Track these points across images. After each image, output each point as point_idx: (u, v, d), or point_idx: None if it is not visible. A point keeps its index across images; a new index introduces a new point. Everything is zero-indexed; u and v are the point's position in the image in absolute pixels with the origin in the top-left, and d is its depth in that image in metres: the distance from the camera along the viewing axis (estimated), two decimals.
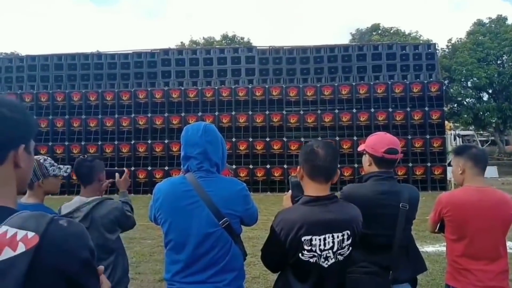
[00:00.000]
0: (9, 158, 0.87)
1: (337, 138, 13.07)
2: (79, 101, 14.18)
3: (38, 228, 0.77)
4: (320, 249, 1.61)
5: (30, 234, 0.76)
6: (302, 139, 13.03)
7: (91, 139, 13.84)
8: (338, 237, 1.63)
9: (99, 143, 13.66)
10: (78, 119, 14.00)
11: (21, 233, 0.75)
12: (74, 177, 2.44)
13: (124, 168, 2.70)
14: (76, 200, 2.38)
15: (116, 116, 13.93)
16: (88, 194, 2.41)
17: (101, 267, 0.94)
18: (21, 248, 0.74)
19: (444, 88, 14.54)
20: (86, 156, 2.48)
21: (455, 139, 19.24)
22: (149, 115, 13.80)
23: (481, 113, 22.20)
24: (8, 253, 0.73)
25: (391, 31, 29.17)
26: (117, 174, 2.60)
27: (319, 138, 11.97)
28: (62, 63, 15.03)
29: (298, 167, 1.78)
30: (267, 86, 13.89)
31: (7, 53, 27.22)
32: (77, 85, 14.81)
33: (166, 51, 15.22)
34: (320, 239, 1.60)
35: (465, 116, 22.37)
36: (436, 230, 2.40)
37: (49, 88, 14.78)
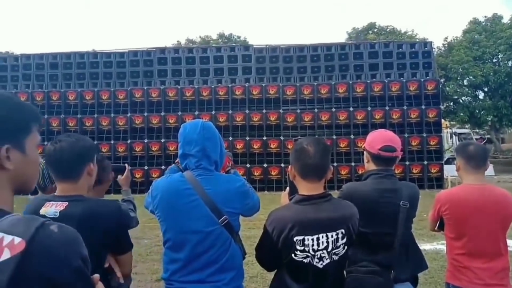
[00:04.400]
0: None
1: (334, 137, 13.08)
2: (74, 100, 14.10)
3: (25, 233, 0.73)
4: (313, 249, 1.57)
5: (17, 240, 0.72)
6: (299, 138, 13.01)
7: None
8: (332, 236, 1.59)
9: (95, 142, 13.57)
10: (74, 119, 13.92)
11: (7, 238, 0.72)
12: None
13: (125, 165, 2.66)
14: None
15: (112, 115, 13.86)
16: (96, 194, 2.37)
17: (96, 276, 0.89)
18: (6, 254, 0.70)
19: (440, 86, 14.56)
20: (96, 155, 2.44)
21: (451, 137, 19.32)
22: (146, 114, 13.75)
23: (477, 111, 22.26)
24: None
25: (387, 30, 29.22)
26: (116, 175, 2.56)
27: (316, 137, 12.00)
28: (57, 62, 14.93)
29: (290, 166, 1.74)
30: (264, 85, 13.87)
31: (1, 52, 27.00)
32: (72, 84, 14.73)
33: (162, 50, 15.15)
34: (313, 239, 1.57)
35: (461, 114, 22.42)
36: (436, 228, 2.39)
37: (44, 87, 14.69)
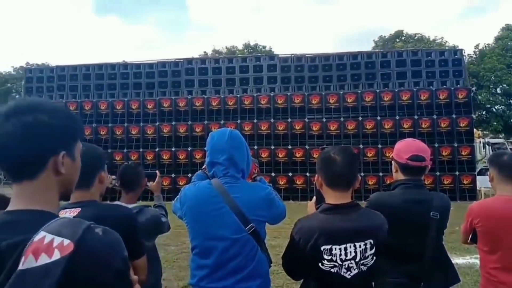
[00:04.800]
0: (50, 165, 0.88)
1: (361, 146, 12.87)
2: (106, 109, 14.59)
3: (74, 236, 0.77)
4: (341, 259, 1.55)
5: (66, 242, 0.76)
6: (326, 147, 12.89)
7: (117, 146, 14.18)
8: (360, 246, 1.57)
9: (125, 150, 13.97)
10: (105, 127, 14.38)
11: (57, 240, 0.76)
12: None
13: (156, 171, 2.73)
14: None
15: (141, 124, 14.24)
16: (129, 200, 2.44)
17: (135, 277, 0.93)
18: (56, 255, 0.74)
19: (472, 94, 14.11)
20: (130, 162, 2.52)
21: (484, 147, 18.58)
22: (173, 123, 14.04)
23: (511, 120, 21.40)
24: (43, 259, 0.73)
25: (415, 38, 28.69)
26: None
27: (343, 145, 11.85)
28: (90, 73, 15.55)
29: (316, 175, 1.73)
30: (289, 94, 13.89)
31: (38, 64, 28.41)
32: (104, 94, 15.27)
33: (189, 61, 15.50)
34: (340, 249, 1.55)
35: (495, 123, 21.61)
36: (468, 241, 2.31)
37: (77, 97, 15.30)
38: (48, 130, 0.86)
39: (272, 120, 13.59)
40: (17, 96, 29.52)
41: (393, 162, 2.11)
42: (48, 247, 0.74)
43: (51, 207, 0.88)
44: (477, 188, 12.50)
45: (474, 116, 14.50)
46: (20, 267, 0.72)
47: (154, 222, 2.40)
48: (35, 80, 15.98)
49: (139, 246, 1.84)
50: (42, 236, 0.76)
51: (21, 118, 0.84)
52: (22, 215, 0.85)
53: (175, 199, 1.93)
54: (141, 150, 14.01)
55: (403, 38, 29.11)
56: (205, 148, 1.94)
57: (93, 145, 1.79)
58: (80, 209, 1.66)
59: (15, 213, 0.85)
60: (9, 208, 0.87)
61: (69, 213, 1.64)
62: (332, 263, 1.55)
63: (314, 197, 1.87)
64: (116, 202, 2.41)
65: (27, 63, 29.50)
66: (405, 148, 2.03)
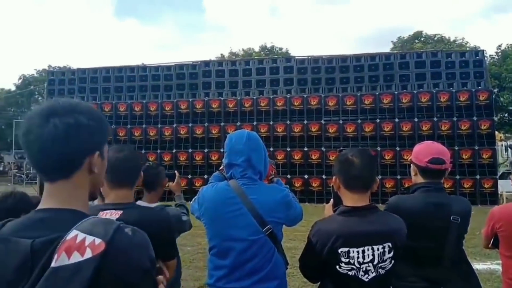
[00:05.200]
0: (85, 164, 0.91)
1: (379, 149, 12.71)
2: (125, 111, 14.84)
3: (105, 235, 0.79)
4: (358, 262, 1.54)
5: (97, 241, 0.77)
6: (343, 149, 12.78)
7: (135, 148, 14.40)
8: (378, 249, 1.56)
9: (143, 151, 14.17)
10: (124, 129, 14.64)
11: (89, 239, 0.77)
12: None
13: (175, 171, 2.79)
14: None
15: (159, 126, 14.43)
16: (151, 200, 2.50)
17: (160, 277, 0.95)
18: (88, 254, 0.75)
19: (493, 96, 13.75)
20: (151, 163, 2.59)
21: (506, 150, 18.07)
22: (190, 124, 14.17)
23: None
24: (76, 257, 0.75)
25: (435, 39, 28.13)
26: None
27: (361, 148, 11.75)
28: (109, 76, 15.88)
29: (334, 177, 1.73)
30: (305, 96, 13.84)
31: (60, 66, 29.13)
32: (123, 96, 15.56)
33: (207, 63, 15.64)
34: (358, 251, 1.54)
35: None
36: (490, 246, 2.26)
37: (97, 99, 15.63)
38: (87, 131, 0.89)
39: (288, 122, 13.56)
40: (39, 99, 30.36)
41: (412, 165, 2.09)
42: (81, 246, 0.76)
43: (82, 206, 0.91)
44: (499, 192, 12.17)
45: (495, 119, 14.14)
46: (53, 264, 0.74)
47: (175, 221, 2.44)
48: (57, 83, 16.42)
49: (174, 247, 1.88)
50: (75, 234, 0.78)
51: (63, 119, 0.86)
52: (55, 213, 0.87)
53: (193, 199, 1.96)
54: (158, 151, 14.19)
55: (422, 39, 28.60)
56: (223, 150, 1.96)
57: (131, 147, 1.85)
58: (122, 211, 1.66)
59: (48, 211, 0.87)
60: (41, 206, 0.89)
61: (110, 215, 1.64)
62: (349, 265, 1.55)
63: (332, 200, 1.86)
64: (138, 202, 2.45)
65: (49, 65, 30.30)
66: (425, 151, 2.00)
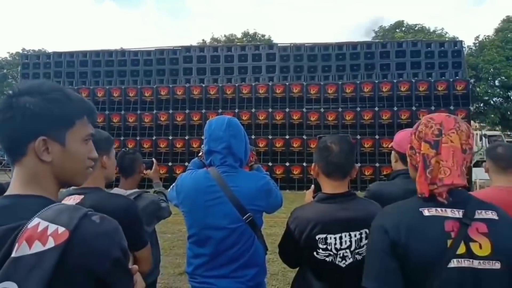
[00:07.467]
0: (30, 151, 0.85)
1: (359, 137, 12.88)
2: (103, 97, 14.47)
3: (69, 223, 0.74)
4: (336, 248, 1.56)
5: (61, 229, 0.73)
6: (323, 136, 12.89)
7: (114, 134, 14.06)
8: (355, 236, 1.57)
9: (122, 138, 13.91)
10: (102, 115, 14.28)
11: (52, 227, 0.73)
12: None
13: (153, 159, 2.73)
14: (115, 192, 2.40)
15: (139, 112, 14.16)
16: (128, 186, 2.43)
17: (135, 267, 0.90)
18: (50, 243, 0.71)
19: (470, 87, 14.09)
20: (127, 149, 2.52)
21: (481, 139, 18.64)
22: (171, 111, 13.96)
23: (508, 113, 21.45)
24: (37, 247, 0.70)
25: (416, 28, 28.53)
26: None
27: (340, 134, 11.89)
28: (87, 60, 15.38)
29: (313, 164, 1.72)
30: (287, 84, 13.82)
31: (35, 50, 28.09)
32: (101, 81, 15.15)
33: (187, 49, 15.34)
34: (335, 238, 1.55)
35: (492, 116, 21.64)
36: None
37: (74, 84, 15.15)
38: (28, 114, 0.83)
39: (270, 110, 13.54)
40: (13, 83, 29.28)
41: (392, 152, 2.11)
42: (42, 235, 0.72)
43: (49, 194, 0.86)
44: (473, 179, 12.57)
45: (471, 108, 14.52)
46: (13, 254, 0.70)
47: (154, 207, 2.39)
48: (31, 66, 15.81)
49: (141, 236, 1.81)
50: (37, 222, 0.73)
51: (14, 101, 0.84)
52: (18, 199, 0.83)
53: (171, 187, 1.91)
54: (138, 138, 13.95)
55: (403, 28, 28.95)
56: (203, 136, 1.91)
57: (98, 129, 1.78)
58: (83, 196, 1.63)
59: (12, 198, 0.83)
60: (8, 192, 0.85)
61: (73, 200, 1.61)
62: (327, 252, 1.56)
63: (312, 186, 1.86)
64: (115, 188, 2.40)
65: (23, 49, 29.24)
66: (406, 139, 2.01)
